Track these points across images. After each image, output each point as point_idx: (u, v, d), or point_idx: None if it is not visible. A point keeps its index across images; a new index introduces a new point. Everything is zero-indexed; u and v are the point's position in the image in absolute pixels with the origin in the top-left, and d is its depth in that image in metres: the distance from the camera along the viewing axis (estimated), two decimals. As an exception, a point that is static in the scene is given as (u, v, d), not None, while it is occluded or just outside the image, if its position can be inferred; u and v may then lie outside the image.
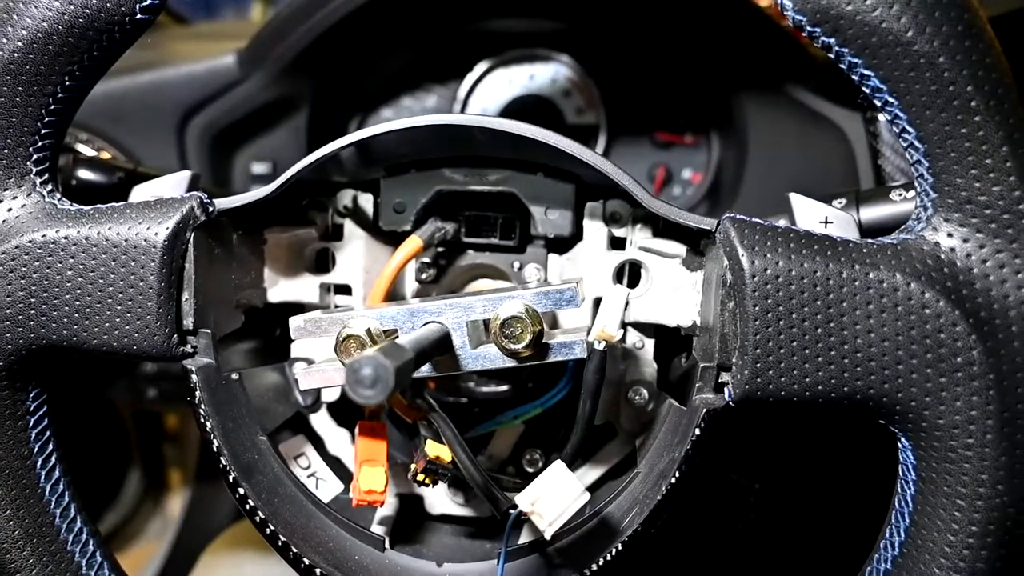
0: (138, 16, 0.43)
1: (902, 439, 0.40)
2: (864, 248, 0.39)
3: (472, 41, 0.83)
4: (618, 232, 0.50)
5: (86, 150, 0.72)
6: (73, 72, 0.42)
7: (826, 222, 0.46)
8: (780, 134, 0.72)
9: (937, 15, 0.35)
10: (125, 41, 0.43)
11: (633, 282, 0.50)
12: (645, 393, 0.50)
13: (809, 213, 0.46)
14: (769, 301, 0.39)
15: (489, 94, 0.84)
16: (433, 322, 0.43)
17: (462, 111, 0.84)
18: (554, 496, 0.40)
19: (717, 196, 0.81)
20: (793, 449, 0.76)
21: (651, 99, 0.83)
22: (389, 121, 0.45)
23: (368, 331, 0.42)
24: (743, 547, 0.77)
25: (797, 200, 0.47)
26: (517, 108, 0.84)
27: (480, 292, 0.44)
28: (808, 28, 0.38)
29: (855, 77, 0.39)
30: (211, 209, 0.43)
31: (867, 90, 0.39)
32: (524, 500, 0.40)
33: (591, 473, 0.52)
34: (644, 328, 0.51)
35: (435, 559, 0.48)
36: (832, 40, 0.38)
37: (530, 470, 0.53)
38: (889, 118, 0.39)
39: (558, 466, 0.41)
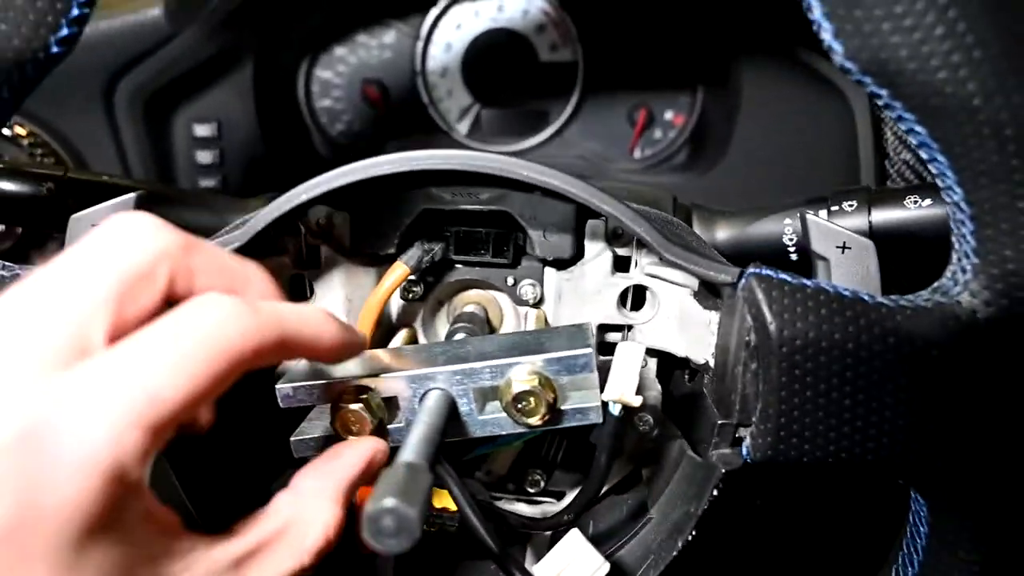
0: (53, 50, 0.35)
1: (918, 497, 0.40)
2: (898, 314, 0.37)
3: (433, -33, 0.73)
4: (622, 252, 0.47)
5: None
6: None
7: (844, 247, 0.44)
8: (777, 89, 0.67)
9: (1010, 83, 0.31)
10: (39, 75, 0.37)
11: (637, 302, 0.48)
12: (650, 419, 0.48)
13: (826, 238, 0.44)
14: (797, 372, 0.37)
15: (454, 29, 0.76)
16: (436, 389, 0.40)
17: (424, 48, 0.76)
18: (574, 568, 0.39)
19: (702, 142, 0.77)
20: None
21: (632, 35, 0.76)
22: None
23: (366, 403, 0.39)
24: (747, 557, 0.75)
25: (814, 223, 0.44)
26: (485, 44, 0.76)
27: (485, 357, 0.40)
28: (858, 76, 0.34)
29: (902, 126, 0.35)
30: None
31: (914, 141, 0.35)
32: (544, 574, 0.39)
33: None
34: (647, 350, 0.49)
35: None
36: (884, 92, 0.34)
37: (531, 490, 0.52)
38: (935, 173, 0.36)
39: (574, 536, 0.40)
